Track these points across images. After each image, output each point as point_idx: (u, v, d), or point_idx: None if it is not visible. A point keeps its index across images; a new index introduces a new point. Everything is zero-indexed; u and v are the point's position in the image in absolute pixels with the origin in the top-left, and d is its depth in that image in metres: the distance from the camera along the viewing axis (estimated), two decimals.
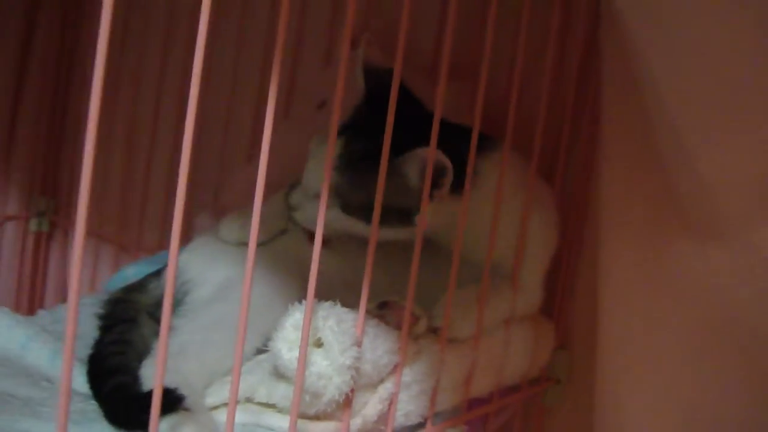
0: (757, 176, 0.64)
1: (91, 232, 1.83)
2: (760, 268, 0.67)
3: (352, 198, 0.80)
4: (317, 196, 0.70)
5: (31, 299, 1.91)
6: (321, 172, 0.68)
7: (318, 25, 1.35)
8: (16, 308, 1.79)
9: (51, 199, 1.91)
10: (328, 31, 1.36)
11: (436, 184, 0.76)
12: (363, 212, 0.78)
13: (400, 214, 0.78)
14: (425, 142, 0.70)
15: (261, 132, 1.53)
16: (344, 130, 0.83)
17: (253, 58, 1.44)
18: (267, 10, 1.45)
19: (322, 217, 0.60)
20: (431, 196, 0.74)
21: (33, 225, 1.90)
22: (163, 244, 1.62)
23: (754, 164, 0.63)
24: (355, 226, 0.82)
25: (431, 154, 0.70)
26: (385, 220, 0.66)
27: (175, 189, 1.67)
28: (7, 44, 1.83)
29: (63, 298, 1.94)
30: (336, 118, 0.61)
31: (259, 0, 1.44)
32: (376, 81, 0.83)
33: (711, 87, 0.62)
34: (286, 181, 0.93)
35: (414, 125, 0.72)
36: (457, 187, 0.78)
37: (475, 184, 0.81)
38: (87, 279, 1.82)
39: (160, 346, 0.52)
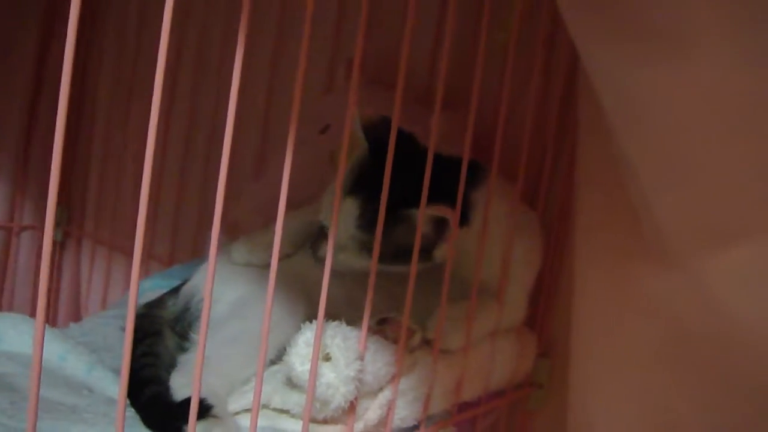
0: (698, 217, 0.73)
1: (103, 242, 1.90)
2: (705, 291, 0.76)
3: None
4: (343, 248, 0.87)
5: (47, 306, 1.96)
6: (344, 227, 0.86)
7: (319, 53, 1.42)
8: (32, 315, 1.83)
9: (64, 210, 1.96)
10: (330, 59, 1.43)
11: (442, 233, 0.86)
12: (390, 258, 0.82)
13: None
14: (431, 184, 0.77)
15: (267, 151, 1.61)
16: (357, 189, 0.89)
17: (259, 82, 1.50)
18: (273, 34, 1.51)
19: (330, 253, 0.68)
20: (438, 244, 0.87)
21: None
22: (174, 254, 1.68)
23: (695, 208, 0.73)
24: (384, 269, 0.84)
25: (420, 216, 0.78)
26: (406, 260, 0.78)
27: (185, 201, 1.76)
28: (23, 60, 1.87)
29: (76, 305, 2.00)
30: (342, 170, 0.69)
31: (266, 23, 1.50)
32: (376, 134, 0.88)
33: (661, 143, 0.72)
34: (291, 201, 1.00)
35: (416, 166, 0.78)
36: (461, 222, 0.87)
37: (474, 216, 0.91)
38: (100, 287, 1.87)
39: (197, 361, 0.60)
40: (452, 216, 0.84)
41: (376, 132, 0.89)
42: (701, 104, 0.68)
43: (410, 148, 0.90)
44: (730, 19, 0.63)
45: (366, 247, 0.88)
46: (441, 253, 0.89)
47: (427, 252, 0.88)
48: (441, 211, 0.84)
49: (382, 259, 0.73)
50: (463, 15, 1.12)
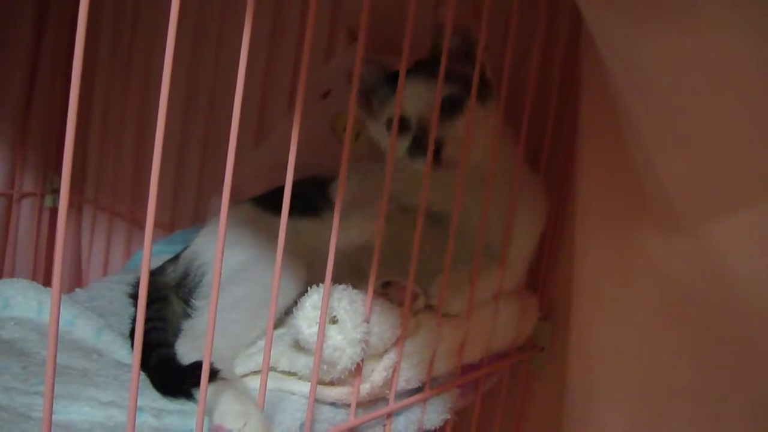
0: (704, 183, 0.74)
1: (104, 209, 1.90)
2: (709, 255, 0.77)
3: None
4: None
5: (47, 272, 1.97)
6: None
7: (318, 21, 1.39)
8: (33, 280, 1.85)
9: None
10: (329, 27, 1.43)
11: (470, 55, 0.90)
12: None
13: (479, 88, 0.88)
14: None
15: (266, 119, 1.62)
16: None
17: (258, 48, 1.50)
18: (272, 6, 1.51)
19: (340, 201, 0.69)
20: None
21: (48, 201, 1.97)
22: (175, 220, 1.70)
23: (702, 174, 0.74)
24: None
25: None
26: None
27: (185, 167, 1.77)
28: (21, 28, 1.86)
29: (78, 271, 2.02)
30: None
31: None
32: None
33: (667, 109, 0.73)
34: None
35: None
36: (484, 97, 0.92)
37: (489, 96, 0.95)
38: (101, 252, 1.89)
39: (209, 325, 0.61)
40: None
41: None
42: (707, 69, 0.68)
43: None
44: None
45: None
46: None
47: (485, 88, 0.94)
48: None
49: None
50: None
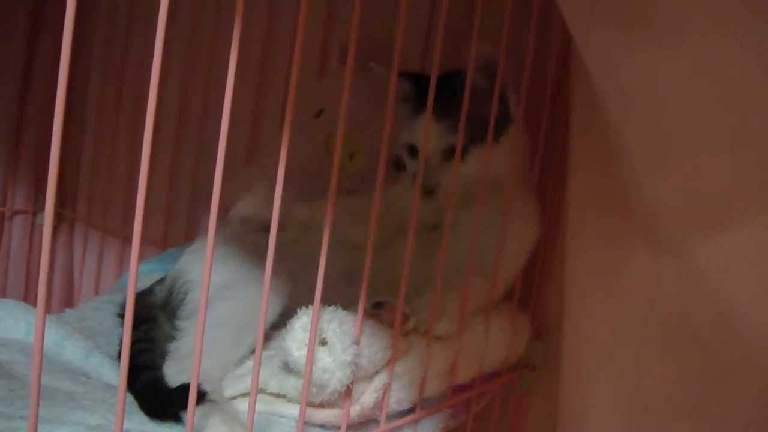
0: (691, 203, 0.74)
1: (96, 226, 1.89)
2: (698, 275, 0.77)
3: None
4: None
5: (46, 295, 1.95)
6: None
7: (311, 38, 1.41)
8: (25, 300, 1.81)
9: (57, 193, 1.96)
10: (322, 42, 1.43)
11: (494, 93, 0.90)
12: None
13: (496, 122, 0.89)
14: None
15: (259, 137, 1.62)
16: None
17: (251, 65, 1.50)
18: (265, 18, 1.50)
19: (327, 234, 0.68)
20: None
21: (39, 219, 1.95)
22: (168, 237, 1.69)
23: (689, 194, 0.74)
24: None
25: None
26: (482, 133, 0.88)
27: (178, 185, 1.76)
28: (13, 44, 1.86)
29: (70, 289, 2.00)
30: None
31: (258, 10, 1.50)
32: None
33: (655, 128, 0.73)
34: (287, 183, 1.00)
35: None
36: (499, 134, 0.93)
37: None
38: (93, 271, 1.88)
39: (196, 343, 0.60)
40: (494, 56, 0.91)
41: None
42: (694, 88, 0.68)
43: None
44: (725, 6, 0.63)
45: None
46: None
47: (504, 120, 0.95)
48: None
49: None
50: None
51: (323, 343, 0.77)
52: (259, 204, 0.99)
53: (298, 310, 0.80)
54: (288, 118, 0.63)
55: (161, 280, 1.04)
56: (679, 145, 0.72)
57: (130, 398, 0.79)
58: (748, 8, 0.63)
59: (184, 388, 0.73)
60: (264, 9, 1.50)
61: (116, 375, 0.87)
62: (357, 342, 0.78)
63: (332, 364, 0.76)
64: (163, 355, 0.88)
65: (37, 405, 0.50)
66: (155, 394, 0.80)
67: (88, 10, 1.88)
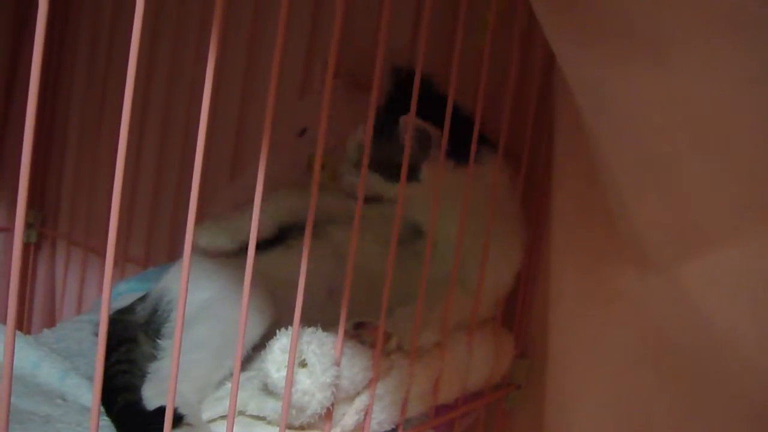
0: (675, 224, 0.74)
1: (78, 243, 1.88)
2: (683, 295, 0.77)
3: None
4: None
5: (19, 309, 1.94)
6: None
7: (294, 57, 1.41)
8: (4, 318, 1.81)
9: (38, 212, 1.93)
10: (305, 60, 1.42)
11: (426, 149, 0.91)
12: (382, 169, 0.93)
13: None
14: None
15: (242, 154, 1.61)
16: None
17: (233, 84, 1.49)
18: (246, 36, 1.50)
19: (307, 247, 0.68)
20: (422, 160, 0.92)
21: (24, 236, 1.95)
22: (150, 256, 1.66)
23: (673, 214, 0.74)
24: (377, 183, 0.95)
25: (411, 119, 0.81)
26: (392, 176, 0.90)
27: (161, 202, 1.75)
28: None
29: (51, 307, 1.98)
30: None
31: (241, 30, 1.49)
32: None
33: (638, 148, 0.73)
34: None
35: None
36: (460, 159, 0.90)
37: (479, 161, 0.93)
38: (75, 289, 1.85)
39: (173, 365, 0.59)
40: (430, 131, 0.89)
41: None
42: (675, 108, 0.68)
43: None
44: (706, 26, 0.63)
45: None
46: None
47: (413, 171, 0.93)
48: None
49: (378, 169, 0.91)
50: (440, 14, 1.12)
51: (303, 364, 0.76)
52: (214, 234, 0.99)
53: (277, 331, 0.79)
54: (265, 139, 0.62)
55: (143, 298, 1.02)
56: (660, 164, 0.72)
57: (108, 422, 0.78)
58: (730, 25, 0.63)
59: (161, 412, 0.72)
60: (247, 27, 1.49)
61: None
62: (337, 363, 0.77)
63: (312, 386, 0.75)
64: (142, 376, 0.87)
65: (7, 428, 0.49)
66: (131, 417, 0.79)
67: (72, 27, 1.88)
